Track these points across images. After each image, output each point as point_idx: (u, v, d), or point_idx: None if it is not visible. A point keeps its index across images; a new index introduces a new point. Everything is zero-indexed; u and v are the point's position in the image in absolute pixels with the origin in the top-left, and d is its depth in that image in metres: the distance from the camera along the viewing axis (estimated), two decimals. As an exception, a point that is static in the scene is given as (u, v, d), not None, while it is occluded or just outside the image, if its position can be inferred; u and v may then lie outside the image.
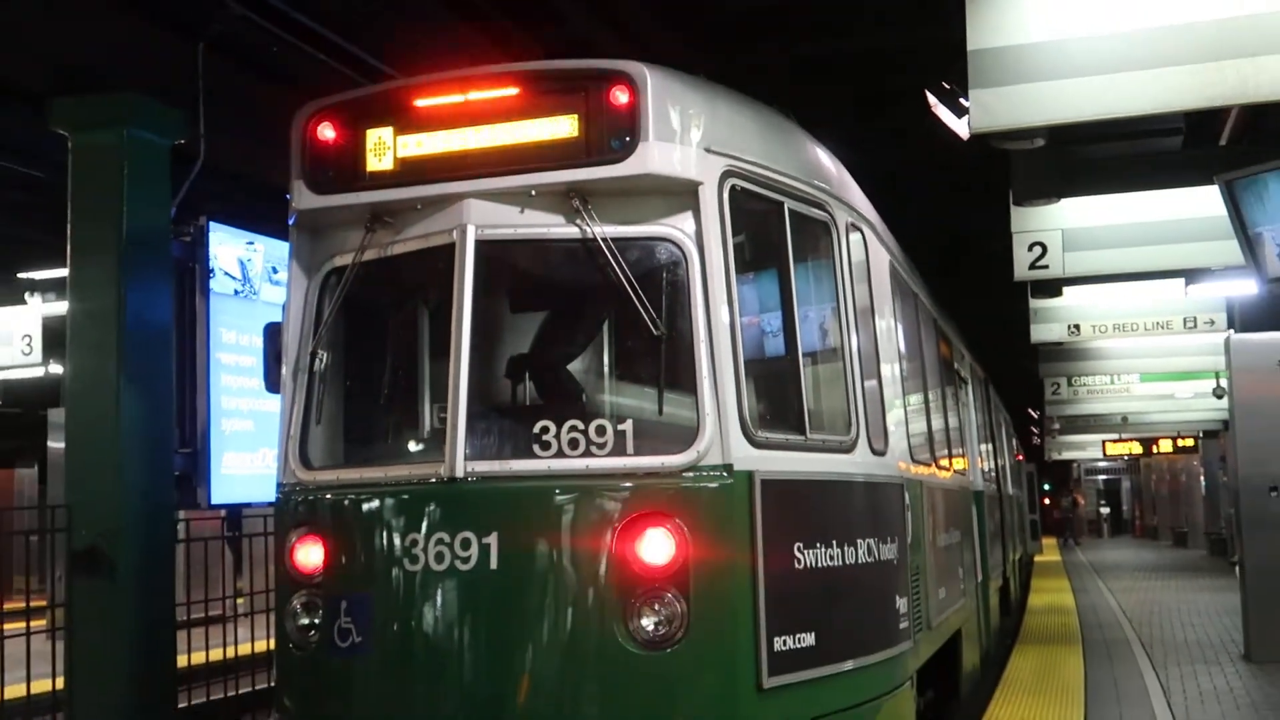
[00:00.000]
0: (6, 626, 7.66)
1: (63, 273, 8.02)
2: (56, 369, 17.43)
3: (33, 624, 7.82)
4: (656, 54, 5.34)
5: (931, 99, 10.28)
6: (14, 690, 7.71)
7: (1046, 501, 61.98)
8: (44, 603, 10.06)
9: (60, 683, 7.53)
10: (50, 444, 21.51)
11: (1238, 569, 13.31)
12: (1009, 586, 15.75)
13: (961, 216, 15.01)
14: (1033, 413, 35.77)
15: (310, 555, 5.31)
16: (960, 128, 9.65)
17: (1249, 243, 7.39)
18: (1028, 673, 10.96)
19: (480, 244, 5.17)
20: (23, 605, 8.63)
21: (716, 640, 4.91)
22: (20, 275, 15.85)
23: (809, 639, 5.19)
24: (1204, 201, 8.86)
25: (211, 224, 10.66)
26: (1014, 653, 12.45)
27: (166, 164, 7.82)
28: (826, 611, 5.37)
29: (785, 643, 5.06)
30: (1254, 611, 11.55)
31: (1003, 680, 10.52)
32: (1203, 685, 10.12)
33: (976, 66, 6.09)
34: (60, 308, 14.34)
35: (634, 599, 4.83)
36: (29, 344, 15.72)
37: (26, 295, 15.78)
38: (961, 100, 8.46)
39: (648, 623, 4.82)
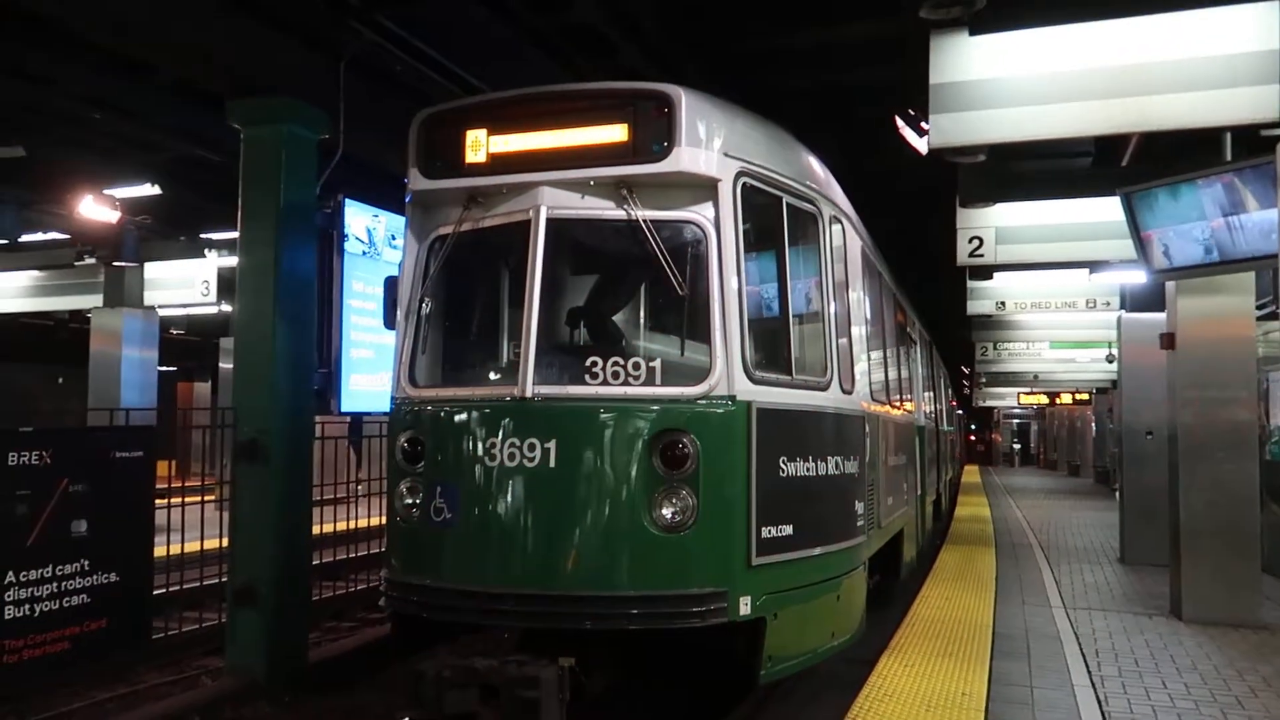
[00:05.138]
0: (187, 499, 7.82)
1: (233, 235, 8.06)
2: (227, 308, 17.62)
3: (206, 498, 7.96)
4: (689, 81, 5.27)
5: (900, 123, 10.15)
6: (191, 546, 7.87)
7: (972, 438, 61.76)
8: (214, 481, 10.21)
9: (226, 541, 7.67)
10: (221, 365, 21.79)
11: (1118, 493, 13.25)
12: (940, 500, 15.74)
13: (919, 216, 14.81)
14: (965, 369, 35.47)
15: (414, 452, 5.37)
16: (920, 145, 9.53)
17: (1140, 242, 7.29)
18: (953, 565, 10.97)
19: (550, 221, 5.17)
20: (199, 483, 8.81)
21: (718, 528, 4.95)
22: (201, 235, 15.96)
23: (788, 530, 5.23)
24: (1107, 209, 8.71)
25: (346, 200, 10.67)
26: (942, 550, 12.45)
27: (314, 153, 7.82)
28: (802, 510, 5.39)
29: (770, 532, 5.11)
30: (1128, 525, 11.51)
31: (933, 570, 10.53)
32: (1086, 579, 10.11)
33: (936, 97, 6.00)
34: (231, 261, 14.43)
35: (657, 494, 4.88)
36: (206, 288, 15.85)
37: (205, 250, 15.91)
38: (923, 124, 8.33)
39: (667, 512, 4.88)
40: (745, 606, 4.94)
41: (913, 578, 9.75)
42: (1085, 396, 33.62)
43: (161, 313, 17.26)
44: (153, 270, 16.35)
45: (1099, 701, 5.52)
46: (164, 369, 20.82)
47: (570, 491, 4.91)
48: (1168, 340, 8.21)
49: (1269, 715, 5.28)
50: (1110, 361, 18.86)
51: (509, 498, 4.98)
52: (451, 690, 4.75)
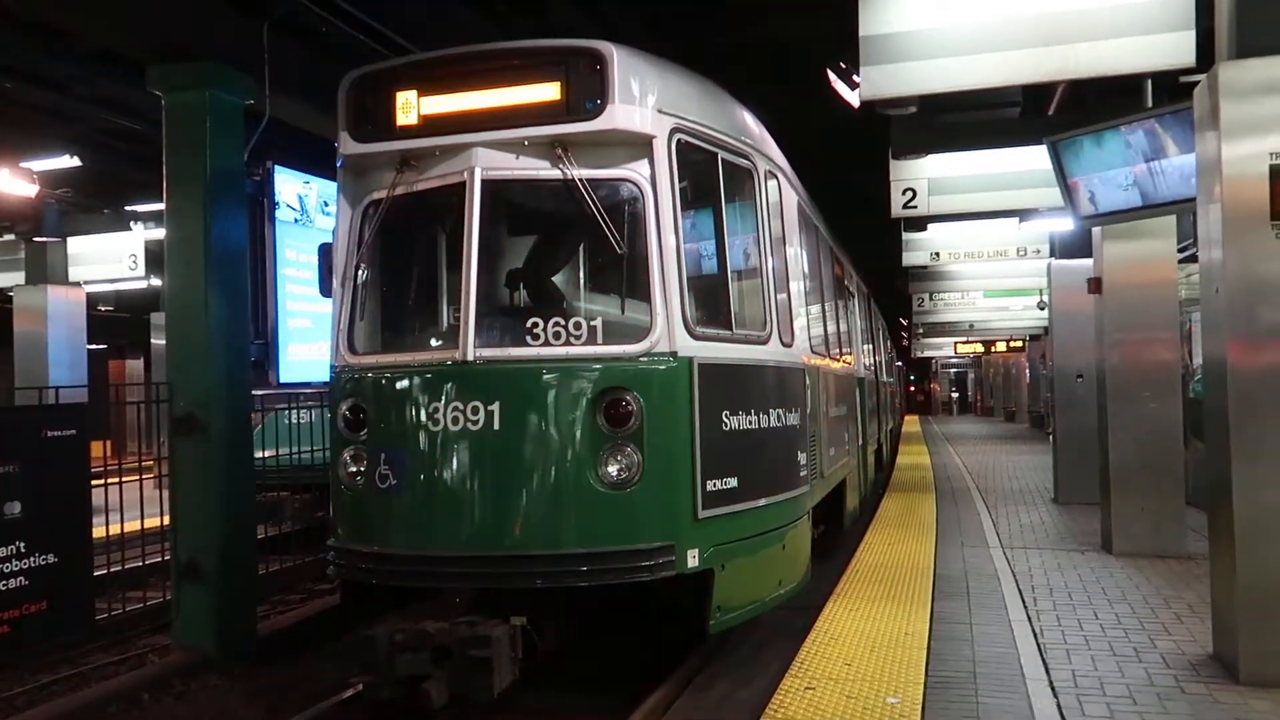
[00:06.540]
0: (125, 478, 7.67)
1: (159, 206, 7.84)
2: (156, 281, 17.17)
3: (144, 476, 7.82)
4: (624, 38, 5.24)
5: (832, 76, 10.19)
6: (131, 525, 7.74)
7: (911, 389, 62.74)
8: (151, 461, 10.02)
9: (166, 520, 7.55)
10: (153, 341, 21.26)
11: (1051, 437, 13.60)
12: (882, 450, 16.02)
13: (853, 168, 14.92)
14: (903, 320, 35.96)
15: (356, 419, 5.33)
16: (853, 98, 9.59)
17: (1067, 190, 7.44)
18: (895, 512, 11.21)
19: (485, 182, 5.13)
20: (136, 463, 8.65)
21: (663, 483, 5.00)
22: (126, 208, 15.51)
23: (733, 482, 5.31)
24: (1035, 158, 8.88)
25: (276, 167, 10.48)
26: (885, 498, 12.69)
27: (240, 119, 7.63)
28: (746, 463, 5.47)
29: (714, 485, 5.18)
30: (1061, 467, 11.84)
31: (876, 517, 10.75)
32: (1022, 519, 10.41)
33: (866, 49, 6.04)
34: (158, 233, 14.08)
35: (602, 452, 4.92)
36: (134, 261, 15.46)
37: (131, 223, 15.48)
38: (854, 77, 8.38)
39: (612, 469, 4.92)
40: (693, 559, 5.02)
41: (856, 526, 9.95)
42: (1019, 344, 34.36)
43: (88, 288, 16.78)
44: (76, 245, 15.88)
45: (1035, 634, 5.72)
46: (94, 347, 20.28)
47: (515, 453, 4.92)
48: (1095, 285, 8.42)
49: (1193, 639, 5.52)
50: (1042, 308, 19.29)
51: (454, 462, 4.97)
52: (403, 653, 4.78)
